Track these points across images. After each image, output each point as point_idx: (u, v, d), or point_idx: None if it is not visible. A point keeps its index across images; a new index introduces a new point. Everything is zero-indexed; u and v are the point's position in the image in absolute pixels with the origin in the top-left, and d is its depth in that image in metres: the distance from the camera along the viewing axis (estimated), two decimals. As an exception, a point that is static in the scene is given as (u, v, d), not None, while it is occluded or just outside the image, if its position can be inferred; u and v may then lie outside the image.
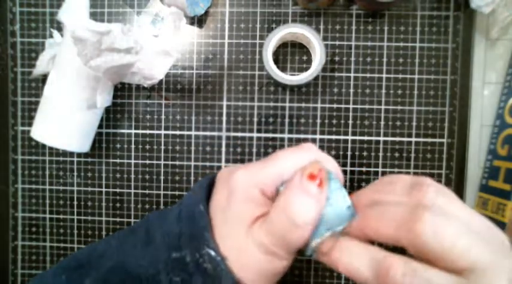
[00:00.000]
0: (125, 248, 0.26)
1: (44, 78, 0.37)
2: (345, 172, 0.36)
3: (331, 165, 0.23)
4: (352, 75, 0.35)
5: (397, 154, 0.35)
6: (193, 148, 0.37)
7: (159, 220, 0.26)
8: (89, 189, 0.38)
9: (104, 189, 0.37)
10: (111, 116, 0.37)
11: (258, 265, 0.22)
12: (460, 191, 0.35)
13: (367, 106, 0.35)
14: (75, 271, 0.27)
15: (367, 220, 0.20)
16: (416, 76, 0.35)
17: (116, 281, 0.25)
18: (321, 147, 0.36)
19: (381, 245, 0.20)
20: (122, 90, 0.37)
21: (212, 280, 0.22)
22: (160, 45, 0.31)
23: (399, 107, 0.35)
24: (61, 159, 0.38)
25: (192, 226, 0.23)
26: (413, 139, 0.35)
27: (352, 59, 0.35)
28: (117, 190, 0.37)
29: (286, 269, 0.23)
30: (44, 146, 0.38)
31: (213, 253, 0.22)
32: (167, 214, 0.26)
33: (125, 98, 0.37)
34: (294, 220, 0.20)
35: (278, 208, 0.21)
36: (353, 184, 0.36)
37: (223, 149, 0.36)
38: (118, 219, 0.37)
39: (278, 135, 0.36)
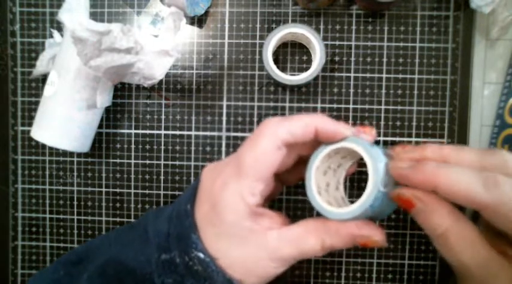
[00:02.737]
0: (123, 241, 0.27)
1: (44, 78, 0.37)
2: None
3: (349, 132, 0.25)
4: (352, 75, 0.35)
5: (397, 154, 0.35)
6: (193, 148, 0.37)
7: (154, 218, 0.26)
8: (89, 189, 0.38)
9: (104, 189, 0.37)
10: (111, 116, 0.37)
11: (263, 270, 0.23)
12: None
13: (367, 106, 0.35)
14: (74, 266, 0.28)
15: (441, 178, 0.20)
16: (416, 76, 0.35)
17: (111, 273, 0.25)
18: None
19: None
20: (122, 90, 0.37)
21: (204, 281, 0.22)
22: (160, 45, 0.31)
23: (399, 107, 0.35)
24: (61, 159, 0.38)
25: (179, 225, 0.24)
26: (413, 139, 0.35)
27: (352, 59, 0.35)
28: (117, 190, 0.37)
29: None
30: (44, 146, 0.38)
31: (202, 255, 0.22)
32: (163, 212, 0.27)
33: (125, 98, 0.37)
34: (319, 252, 0.23)
35: (314, 237, 0.23)
36: (353, 184, 0.36)
37: (223, 149, 0.36)
38: (118, 219, 0.37)
39: (278, 135, 0.36)
